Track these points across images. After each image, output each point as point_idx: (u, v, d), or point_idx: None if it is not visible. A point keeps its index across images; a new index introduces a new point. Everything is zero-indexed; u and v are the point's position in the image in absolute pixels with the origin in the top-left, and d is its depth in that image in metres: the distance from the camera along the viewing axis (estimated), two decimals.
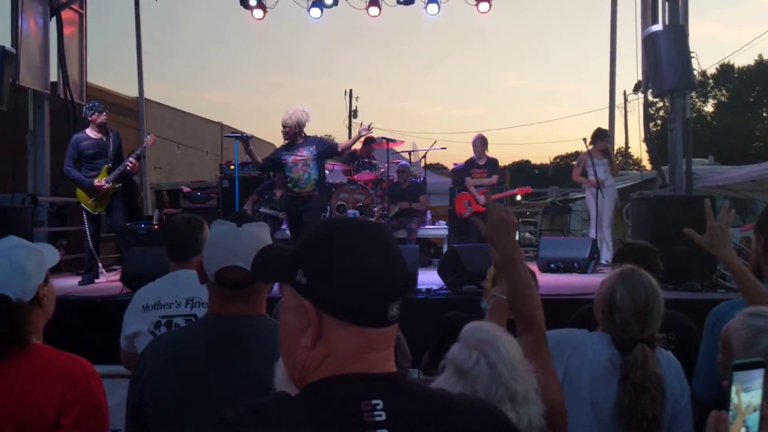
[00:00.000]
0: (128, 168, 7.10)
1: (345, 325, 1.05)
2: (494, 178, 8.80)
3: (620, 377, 2.10)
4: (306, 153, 6.74)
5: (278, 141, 7.98)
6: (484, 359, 1.63)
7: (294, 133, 6.77)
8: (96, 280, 7.05)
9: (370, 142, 9.94)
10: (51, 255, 2.04)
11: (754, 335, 1.81)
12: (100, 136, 7.08)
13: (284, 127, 6.77)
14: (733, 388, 1.18)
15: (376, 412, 1.00)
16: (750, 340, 1.81)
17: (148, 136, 7.65)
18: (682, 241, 6.08)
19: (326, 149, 6.95)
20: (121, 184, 7.18)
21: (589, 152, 8.37)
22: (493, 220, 1.87)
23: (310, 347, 1.06)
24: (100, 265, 7.21)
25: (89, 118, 7.07)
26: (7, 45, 7.61)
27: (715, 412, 1.21)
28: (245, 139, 6.89)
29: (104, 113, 7.09)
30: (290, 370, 1.12)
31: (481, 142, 8.88)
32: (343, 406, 1.01)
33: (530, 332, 1.86)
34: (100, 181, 6.96)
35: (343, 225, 1.13)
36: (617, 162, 9.30)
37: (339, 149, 7.18)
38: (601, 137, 8.56)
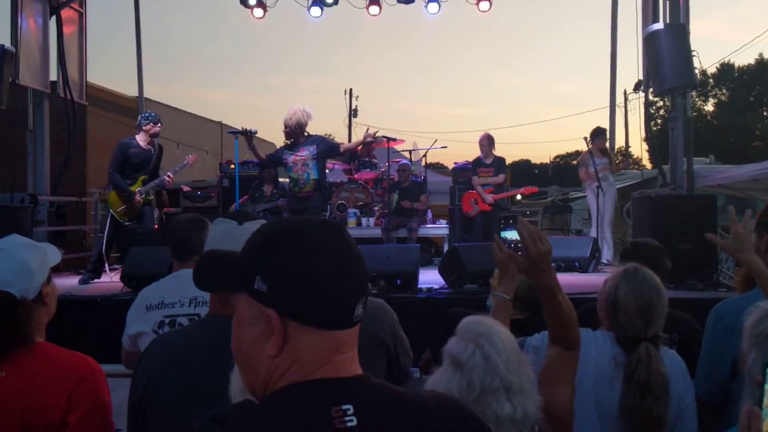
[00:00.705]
0: (165, 181, 7.16)
1: (310, 329, 1.01)
2: (501, 177, 8.82)
3: (624, 377, 2.10)
4: (306, 153, 6.78)
5: (278, 139, 7.99)
6: (479, 351, 1.65)
7: (295, 133, 6.82)
8: (95, 280, 7.05)
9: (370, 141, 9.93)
10: (53, 254, 2.05)
11: (761, 317, 1.83)
12: (149, 147, 7.09)
13: (285, 127, 6.83)
14: (767, 387, 1.18)
15: (347, 417, 0.98)
16: (756, 321, 1.83)
17: (190, 156, 7.65)
18: (684, 239, 6.12)
19: (327, 149, 6.98)
20: (153, 196, 7.22)
21: (589, 151, 8.41)
22: (532, 255, 1.87)
23: (275, 356, 1.01)
24: (107, 266, 7.23)
25: (143, 128, 7.02)
26: (7, 44, 7.59)
27: (748, 407, 1.20)
28: (249, 135, 6.89)
29: (159, 124, 7.08)
30: (251, 379, 1.06)
31: (487, 141, 8.88)
32: (313, 412, 0.98)
33: (571, 349, 1.90)
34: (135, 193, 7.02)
35: (299, 226, 1.07)
36: (618, 161, 9.31)
37: (341, 150, 7.21)
38: (599, 135, 8.60)
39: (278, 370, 1.02)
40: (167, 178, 7.17)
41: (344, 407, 0.98)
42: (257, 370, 1.03)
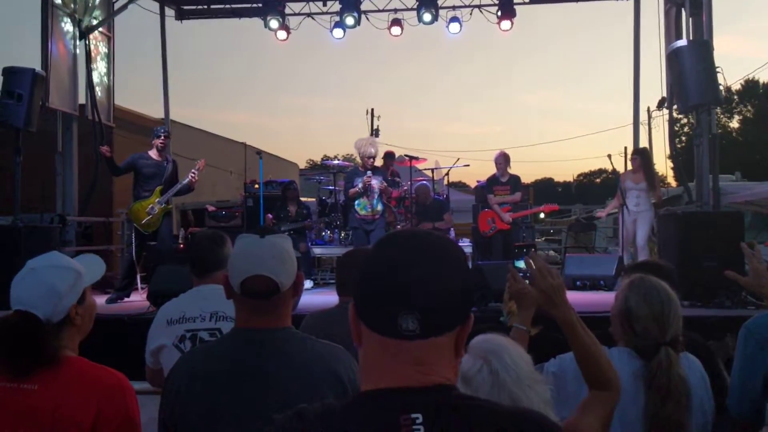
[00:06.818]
0: (190, 181, 7.42)
1: (369, 331, 1.08)
2: (518, 195, 8.74)
3: (645, 384, 2.07)
4: (375, 182, 7.93)
5: (300, 159, 8.28)
6: (486, 367, 1.64)
7: (365, 163, 8.01)
8: (124, 300, 7.15)
9: (390, 158, 9.97)
10: (93, 270, 2.03)
11: None
12: (160, 159, 7.40)
13: (369, 156, 7.94)
14: None
15: (414, 426, 1.00)
16: None
17: (198, 162, 7.87)
18: (711, 257, 6.04)
19: (386, 187, 8.21)
20: (172, 206, 7.39)
21: (625, 173, 8.37)
22: (541, 287, 1.85)
23: (359, 346, 1.12)
24: (139, 281, 7.34)
25: (152, 142, 7.45)
26: (38, 68, 7.76)
27: None
28: None
29: (161, 138, 7.41)
30: None
31: (503, 159, 8.81)
32: (382, 419, 1.02)
33: (608, 389, 1.85)
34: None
35: (390, 236, 1.17)
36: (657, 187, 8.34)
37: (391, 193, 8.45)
38: (634, 154, 8.53)
39: (360, 362, 1.12)
40: (191, 177, 7.41)
41: (413, 416, 1.01)
42: None
